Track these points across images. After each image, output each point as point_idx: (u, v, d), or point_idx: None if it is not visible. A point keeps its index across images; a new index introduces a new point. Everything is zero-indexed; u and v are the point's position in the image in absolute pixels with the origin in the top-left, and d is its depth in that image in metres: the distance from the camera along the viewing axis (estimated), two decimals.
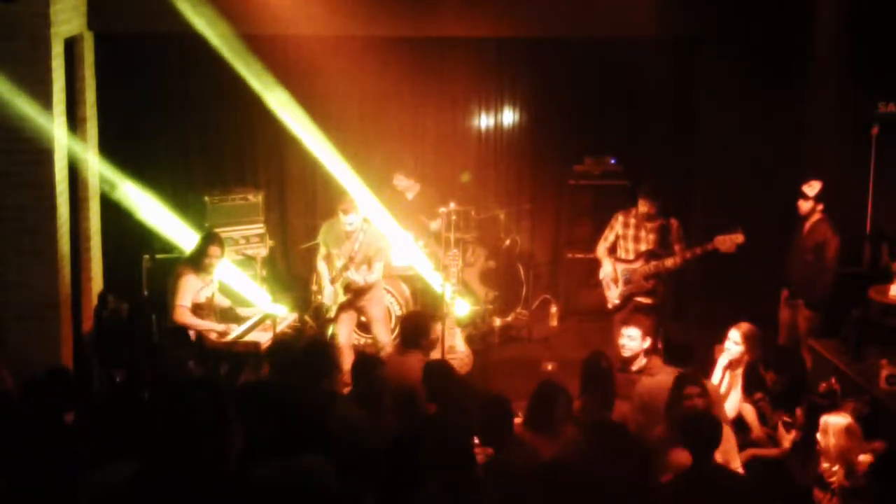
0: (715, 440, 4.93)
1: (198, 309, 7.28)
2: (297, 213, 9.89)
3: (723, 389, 6.33)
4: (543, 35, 9.23)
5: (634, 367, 6.35)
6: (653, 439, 5.53)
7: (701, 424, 4.99)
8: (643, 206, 7.77)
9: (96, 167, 8.54)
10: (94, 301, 8.42)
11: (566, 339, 9.30)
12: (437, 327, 6.91)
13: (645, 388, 6.08)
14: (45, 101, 7.28)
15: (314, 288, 8.78)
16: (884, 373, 6.36)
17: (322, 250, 7.98)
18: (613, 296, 7.90)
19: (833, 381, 6.27)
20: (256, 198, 9.14)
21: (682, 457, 5.07)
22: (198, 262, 7.33)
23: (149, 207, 8.65)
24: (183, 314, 7.18)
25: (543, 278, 10.01)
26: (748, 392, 6.27)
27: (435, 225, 8.96)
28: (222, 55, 8.44)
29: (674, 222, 7.79)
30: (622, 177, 9.53)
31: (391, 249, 8.36)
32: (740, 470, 5.44)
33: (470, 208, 9.28)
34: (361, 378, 5.74)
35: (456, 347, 8.04)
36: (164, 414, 4.29)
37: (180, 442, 4.07)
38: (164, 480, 3.94)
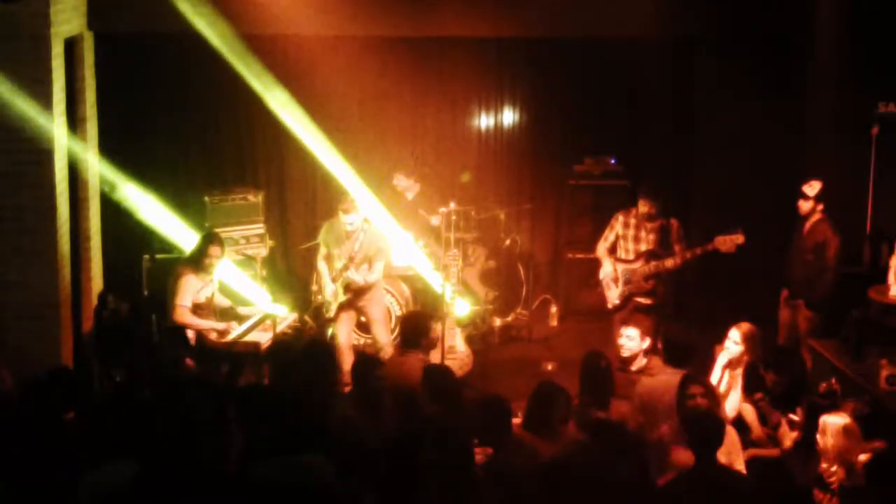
0: (718, 440, 4.94)
1: (198, 309, 7.28)
2: (297, 213, 9.88)
3: (722, 389, 6.33)
4: (543, 35, 9.22)
5: (634, 367, 6.36)
6: (653, 439, 5.54)
7: (704, 424, 5.00)
8: (643, 206, 7.77)
9: (96, 167, 8.55)
10: (94, 301, 8.42)
11: (566, 339, 9.28)
12: (437, 327, 6.89)
13: (645, 388, 6.09)
14: (45, 101, 7.27)
15: (314, 288, 8.78)
16: (884, 373, 6.36)
17: (322, 250, 7.98)
18: (613, 296, 7.90)
19: (833, 381, 6.25)
20: (256, 198, 9.13)
21: (684, 456, 5.08)
22: (198, 262, 7.33)
23: (149, 207, 8.64)
24: (183, 314, 7.18)
25: (543, 278, 10.00)
26: (748, 392, 6.26)
27: (436, 220, 8.95)
28: (222, 55, 8.44)
29: (674, 222, 7.79)
30: (622, 177, 9.52)
31: (391, 249, 8.36)
32: (743, 470, 5.44)
33: (470, 208, 9.27)
34: (361, 378, 5.73)
35: (456, 347, 8.04)
36: (164, 414, 4.30)
37: (180, 442, 4.07)
38: (164, 480, 3.94)
